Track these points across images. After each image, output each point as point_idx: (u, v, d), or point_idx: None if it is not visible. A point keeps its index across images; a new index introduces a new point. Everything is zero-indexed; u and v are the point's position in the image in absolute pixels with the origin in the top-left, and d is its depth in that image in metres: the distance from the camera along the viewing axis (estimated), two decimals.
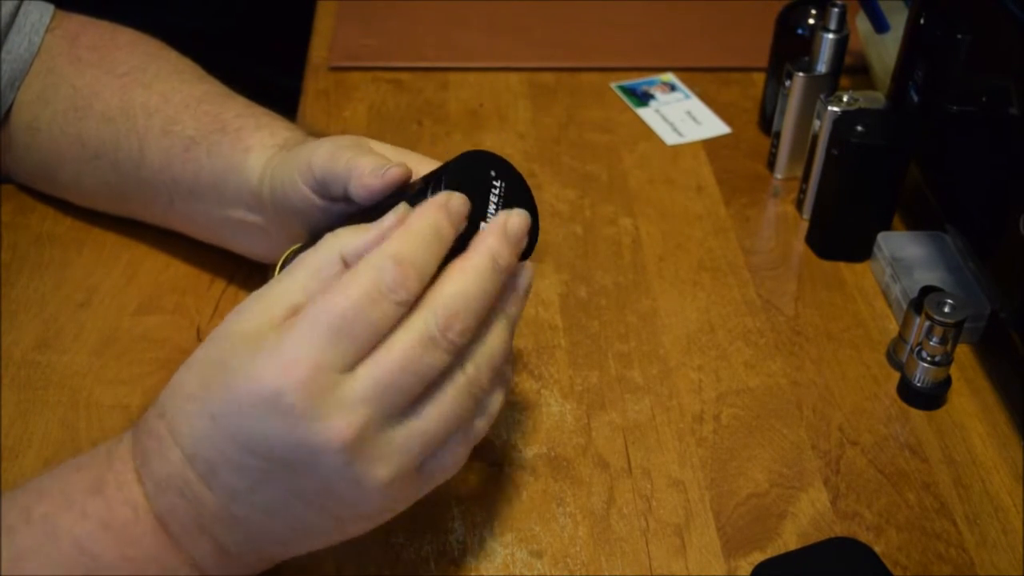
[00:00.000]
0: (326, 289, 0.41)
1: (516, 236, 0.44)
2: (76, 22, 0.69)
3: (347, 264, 0.42)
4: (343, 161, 0.52)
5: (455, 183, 0.45)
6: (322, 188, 0.54)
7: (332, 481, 0.41)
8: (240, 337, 0.41)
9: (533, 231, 0.48)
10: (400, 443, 0.41)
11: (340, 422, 0.40)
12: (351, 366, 0.40)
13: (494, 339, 0.44)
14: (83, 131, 0.66)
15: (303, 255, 0.43)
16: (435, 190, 0.45)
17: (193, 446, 0.42)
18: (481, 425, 0.45)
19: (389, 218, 0.43)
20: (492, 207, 0.47)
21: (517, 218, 0.44)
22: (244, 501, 0.42)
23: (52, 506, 0.43)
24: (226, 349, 0.41)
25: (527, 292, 0.46)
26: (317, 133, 0.63)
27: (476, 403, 0.44)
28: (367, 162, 0.51)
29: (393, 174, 0.50)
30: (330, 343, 0.40)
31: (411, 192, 0.49)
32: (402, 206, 0.44)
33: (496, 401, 0.46)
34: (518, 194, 0.48)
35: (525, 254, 0.47)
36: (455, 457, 0.45)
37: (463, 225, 0.44)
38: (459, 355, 0.43)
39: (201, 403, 0.41)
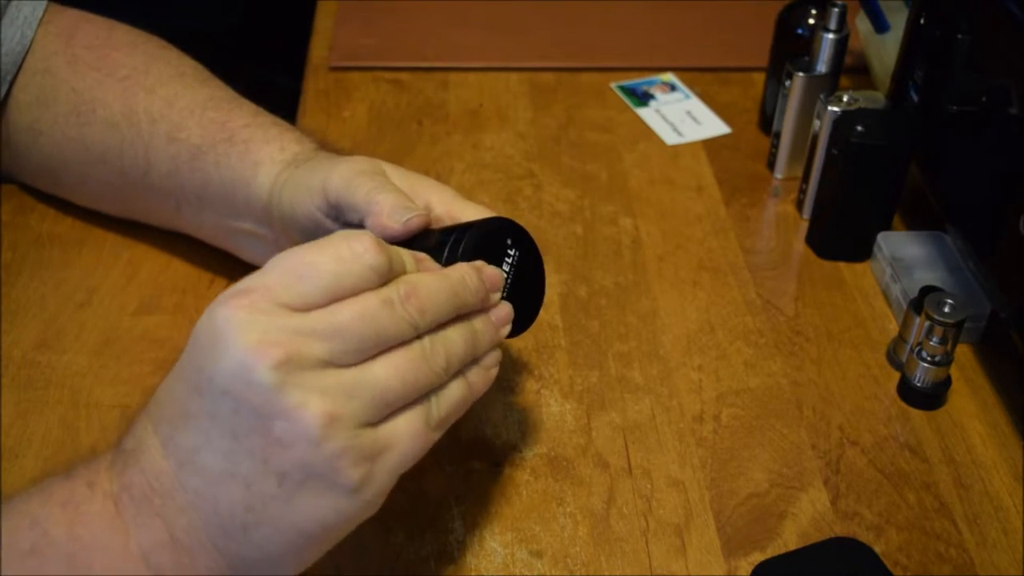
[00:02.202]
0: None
1: (490, 277, 0.48)
2: (70, 17, 0.69)
3: None
4: (362, 192, 0.52)
5: (473, 244, 0.49)
6: (336, 212, 0.54)
7: (265, 409, 0.39)
8: None
9: (537, 300, 0.53)
10: (347, 384, 0.40)
11: (269, 338, 0.39)
12: (304, 309, 0.40)
13: (454, 333, 0.45)
14: (86, 136, 0.65)
15: None
16: (453, 248, 0.49)
17: (159, 407, 0.42)
18: (440, 408, 0.44)
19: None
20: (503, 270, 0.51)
21: (492, 270, 0.48)
22: (194, 465, 0.41)
23: (26, 493, 0.43)
24: None
25: (500, 324, 0.48)
26: (326, 144, 0.62)
27: (432, 374, 0.43)
28: (388, 200, 0.51)
29: (415, 224, 0.51)
30: (285, 282, 0.41)
31: (430, 241, 0.50)
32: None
33: (456, 391, 0.45)
34: (530, 264, 0.52)
35: (529, 320, 0.52)
36: (411, 429, 0.43)
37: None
38: (416, 332, 0.43)
39: (177, 365, 0.42)
